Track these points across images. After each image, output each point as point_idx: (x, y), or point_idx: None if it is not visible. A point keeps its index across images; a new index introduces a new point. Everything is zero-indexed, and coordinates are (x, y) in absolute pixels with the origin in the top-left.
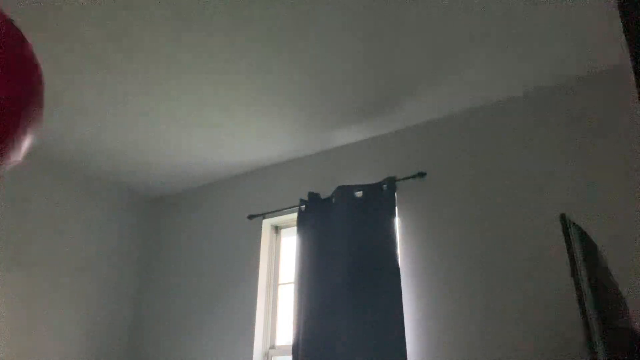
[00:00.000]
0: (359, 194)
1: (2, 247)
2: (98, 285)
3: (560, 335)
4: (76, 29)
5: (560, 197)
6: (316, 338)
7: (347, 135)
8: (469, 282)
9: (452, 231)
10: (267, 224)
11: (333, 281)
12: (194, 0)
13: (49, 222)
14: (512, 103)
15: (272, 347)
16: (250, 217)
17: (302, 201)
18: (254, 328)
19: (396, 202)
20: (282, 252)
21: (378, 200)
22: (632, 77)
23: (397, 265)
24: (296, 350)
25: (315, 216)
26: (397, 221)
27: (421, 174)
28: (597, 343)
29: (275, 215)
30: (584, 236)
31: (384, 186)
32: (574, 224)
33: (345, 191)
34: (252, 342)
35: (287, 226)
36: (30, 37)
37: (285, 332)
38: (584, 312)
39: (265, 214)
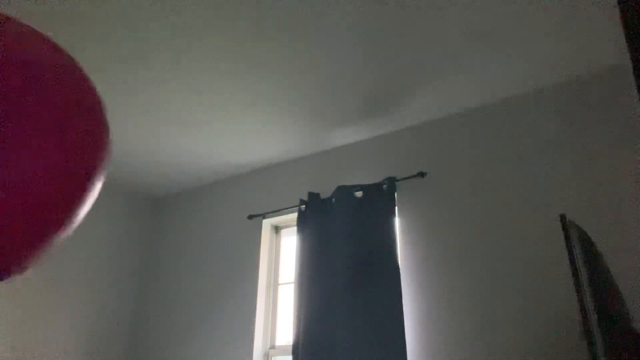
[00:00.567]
0: (359, 194)
1: None
2: (98, 285)
3: (560, 335)
4: (74, 29)
5: (560, 197)
6: (316, 338)
7: (347, 135)
8: (469, 282)
9: (452, 231)
10: (267, 224)
11: (333, 281)
12: (194, 1)
13: None
14: (512, 103)
15: (272, 347)
16: (250, 217)
17: (302, 201)
18: (254, 328)
19: (396, 202)
20: (282, 252)
21: (378, 200)
22: (632, 77)
23: (397, 265)
24: (296, 350)
25: (315, 216)
26: (397, 221)
27: (421, 174)
28: (597, 343)
29: (275, 215)
30: (584, 236)
31: (384, 186)
32: (574, 224)
33: (345, 191)
34: (252, 342)
35: (287, 226)
36: None
37: (285, 332)
38: (584, 313)
39: (265, 214)
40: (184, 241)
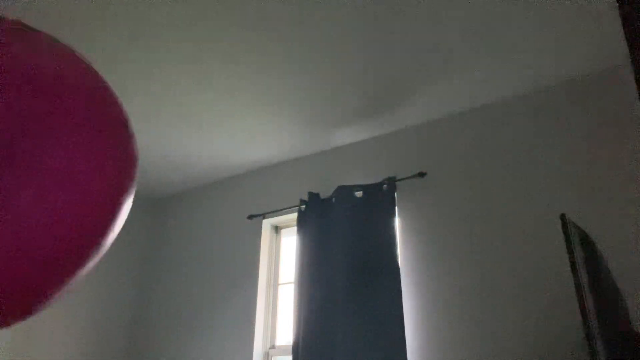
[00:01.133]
0: (359, 194)
1: None
2: (97, 285)
3: (560, 335)
4: (74, 28)
5: (560, 197)
6: (316, 338)
7: (347, 135)
8: (469, 282)
9: (452, 231)
10: (267, 224)
11: (333, 281)
12: (194, 1)
13: None
14: (512, 103)
15: (272, 347)
16: (250, 217)
17: (302, 201)
18: (254, 328)
19: (396, 202)
20: (282, 252)
21: (378, 200)
22: (632, 77)
23: (397, 265)
24: (296, 350)
25: (315, 216)
26: (397, 221)
27: (421, 174)
28: (597, 343)
29: (275, 215)
30: (584, 236)
31: (384, 186)
32: (574, 224)
33: (345, 191)
34: (252, 342)
35: (287, 226)
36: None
37: (285, 332)
38: (584, 312)
39: (265, 214)
40: (184, 241)
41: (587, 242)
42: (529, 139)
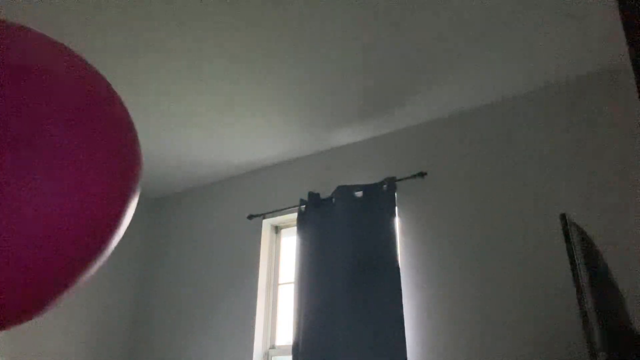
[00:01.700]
0: (359, 194)
1: None
2: (97, 285)
3: (560, 335)
4: (78, 26)
5: (560, 197)
6: (316, 338)
7: (347, 135)
8: (469, 282)
9: (452, 231)
10: (267, 224)
11: (333, 281)
12: (195, 2)
13: None
14: (512, 103)
15: (272, 347)
16: (250, 217)
17: (302, 201)
18: (254, 328)
19: (396, 202)
20: (282, 252)
21: (378, 200)
22: (632, 77)
23: (397, 265)
24: (296, 350)
25: (315, 216)
26: (397, 221)
27: (421, 174)
28: (597, 343)
29: (275, 215)
30: (584, 236)
31: (384, 186)
32: (574, 224)
33: (345, 191)
34: (252, 342)
35: (287, 226)
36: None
37: (285, 332)
38: (584, 312)
39: (265, 214)
40: (184, 241)
41: (587, 242)
42: (529, 138)
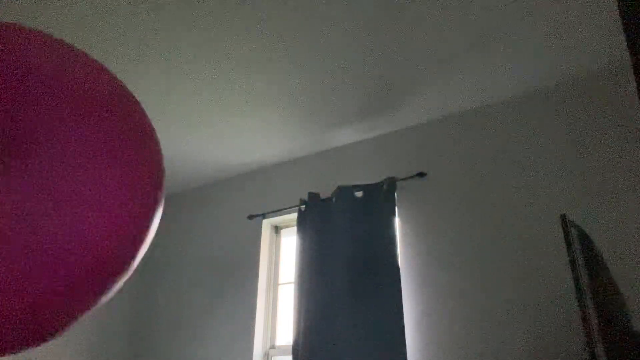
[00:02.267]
0: (359, 194)
1: None
2: None
3: (560, 335)
4: (77, 26)
5: (560, 197)
6: (316, 338)
7: (347, 135)
8: (469, 282)
9: (452, 231)
10: (267, 224)
11: (333, 281)
12: (195, 3)
13: None
14: (511, 103)
15: (272, 347)
16: (250, 217)
17: (302, 201)
18: (254, 328)
19: (396, 202)
20: (282, 252)
21: (378, 200)
22: (632, 77)
23: (397, 265)
24: (296, 350)
25: (315, 216)
26: (397, 221)
27: (421, 174)
28: (597, 343)
29: (275, 215)
30: (584, 236)
31: (384, 186)
32: (574, 224)
33: (345, 191)
34: (252, 342)
35: (287, 226)
36: None
37: (285, 332)
38: (583, 312)
39: (265, 214)
40: (184, 241)
41: (587, 242)
42: (529, 139)
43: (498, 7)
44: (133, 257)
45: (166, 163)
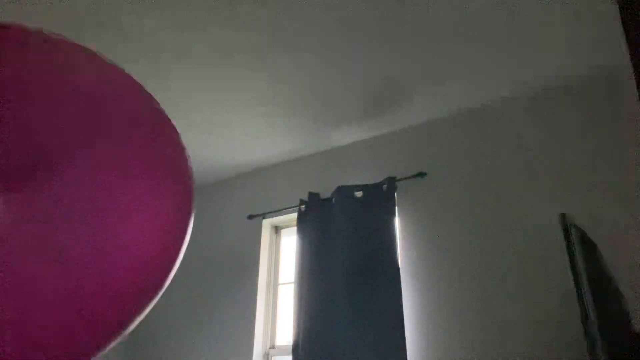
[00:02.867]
0: (359, 194)
1: None
2: None
3: (560, 335)
4: (77, 25)
5: (560, 197)
6: (316, 338)
7: (347, 135)
8: (469, 282)
9: (452, 231)
10: (267, 224)
11: (333, 281)
12: (196, 4)
13: None
14: (512, 103)
15: (272, 347)
16: (250, 217)
17: (302, 201)
18: (254, 328)
19: (396, 202)
20: (282, 252)
21: (378, 200)
22: (632, 77)
23: (397, 265)
24: (296, 350)
25: (315, 216)
26: (397, 221)
27: (421, 174)
28: (597, 343)
29: (275, 215)
30: (584, 236)
31: (384, 186)
32: (574, 224)
33: (345, 191)
34: (252, 342)
35: (287, 226)
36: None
37: (285, 332)
38: (584, 312)
39: (265, 214)
40: None
41: (587, 242)
42: (528, 139)
43: (498, 8)
44: (169, 271)
45: None
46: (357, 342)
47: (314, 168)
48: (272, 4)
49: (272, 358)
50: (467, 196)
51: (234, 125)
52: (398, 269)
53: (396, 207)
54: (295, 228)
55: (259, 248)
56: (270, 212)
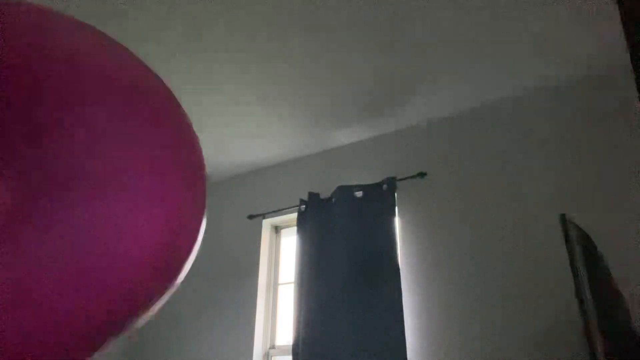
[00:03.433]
0: (359, 194)
1: None
2: None
3: (560, 335)
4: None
5: (560, 197)
6: (316, 338)
7: (347, 135)
8: (469, 282)
9: (452, 231)
10: (267, 224)
11: (333, 281)
12: (197, 5)
13: None
14: (512, 103)
15: (272, 347)
16: (250, 217)
17: (302, 201)
18: (254, 328)
19: (396, 202)
20: (282, 252)
21: (378, 200)
22: (632, 77)
23: (397, 265)
24: (296, 350)
25: (315, 216)
26: (397, 221)
27: (421, 174)
28: (597, 343)
29: (275, 215)
30: (584, 236)
31: (384, 186)
32: (574, 224)
33: (345, 191)
34: (252, 342)
35: (287, 226)
36: None
37: (285, 332)
38: (584, 312)
39: (265, 214)
40: None
41: (587, 242)
42: (529, 138)
43: (498, 7)
44: (182, 267)
45: None
46: (357, 341)
47: (314, 168)
48: (273, 5)
49: (272, 358)
50: (467, 196)
51: (234, 126)
52: (398, 269)
53: (396, 207)
54: (295, 228)
55: (259, 248)
56: (270, 212)
